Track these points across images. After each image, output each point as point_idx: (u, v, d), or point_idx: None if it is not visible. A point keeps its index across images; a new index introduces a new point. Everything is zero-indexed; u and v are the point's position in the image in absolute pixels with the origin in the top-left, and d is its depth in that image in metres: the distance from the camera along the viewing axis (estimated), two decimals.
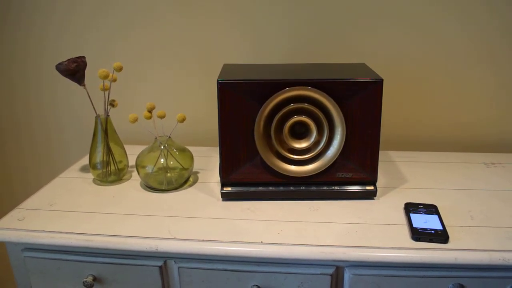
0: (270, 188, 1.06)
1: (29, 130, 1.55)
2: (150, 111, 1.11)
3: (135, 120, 1.10)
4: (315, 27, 1.32)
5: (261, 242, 0.90)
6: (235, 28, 1.35)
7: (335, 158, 1.03)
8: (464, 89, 1.35)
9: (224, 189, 1.07)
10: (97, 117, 1.15)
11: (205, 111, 1.44)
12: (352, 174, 1.05)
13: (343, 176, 1.06)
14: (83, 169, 1.27)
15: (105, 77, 1.09)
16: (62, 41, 1.42)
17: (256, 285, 0.92)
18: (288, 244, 0.89)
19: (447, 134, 1.40)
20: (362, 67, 1.12)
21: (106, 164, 1.17)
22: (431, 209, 0.99)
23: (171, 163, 1.13)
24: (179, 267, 0.93)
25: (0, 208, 1.66)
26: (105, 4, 1.36)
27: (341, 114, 1.00)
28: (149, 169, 1.12)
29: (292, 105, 1.00)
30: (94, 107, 1.16)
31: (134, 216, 1.01)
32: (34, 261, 0.97)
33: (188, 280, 0.94)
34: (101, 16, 1.38)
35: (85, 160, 1.33)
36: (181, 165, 1.13)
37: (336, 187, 1.06)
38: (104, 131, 1.15)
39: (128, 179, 1.20)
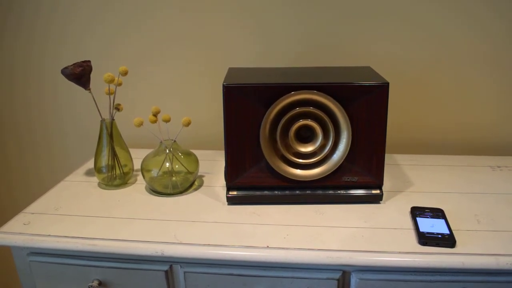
0: (276, 192, 1.06)
1: (31, 134, 1.55)
2: (155, 115, 1.11)
3: (141, 124, 1.10)
4: (320, 30, 1.32)
5: (267, 246, 0.89)
6: (241, 31, 1.35)
7: (341, 162, 1.03)
8: (470, 92, 1.34)
9: (230, 193, 1.06)
10: (102, 121, 1.15)
11: (210, 115, 1.44)
12: (358, 178, 1.05)
13: (349, 180, 1.05)
14: (88, 173, 1.27)
15: (111, 81, 1.09)
16: (64, 44, 1.42)
17: None
18: (294, 249, 0.88)
19: (453, 137, 1.40)
20: (368, 71, 1.12)
21: (111, 168, 1.17)
22: (437, 213, 0.98)
23: (176, 167, 1.13)
24: (184, 272, 0.93)
25: (3, 213, 1.67)
26: (107, 6, 1.36)
27: (347, 118, 1.00)
28: (154, 173, 1.12)
29: (297, 109, 0.99)
30: (99, 111, 1.17)
31: (139, 220, 1.00)
32: (40, 265, 0.97)
33: (194, 284, 0.94)
34: (103, 19, 1.38)
35: (90, 164, 1.33)
36: (186, 169, 1.13)
37: (342, 191, 1.06)
38: (110, 135, 1.15)
39: (133, 183, 1.20)
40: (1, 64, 1.48)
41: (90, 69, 1.11)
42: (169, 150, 1.13)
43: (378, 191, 1.06)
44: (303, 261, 0.87)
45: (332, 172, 1.04)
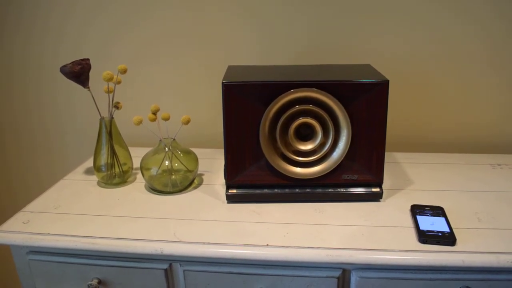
0: (276, 190, 1.06)
1: (30, 133, 1.54)
2: (154, 113, 1.11)
3: (140, 122, 1.10)
4: (320, 28, 1.32)
5: (267, 244, 0.89)
6: (240, 30, 1.34)
7: (341, 160, 1.03)
8: (469, 90, 1.34)
9: (229, 191, 1.06)
10: (102, 119, 1.14)
11: (209, 113, 1.44)
12: (358, 176, 1.05)
13: (348, 178, 1.05)
14: (88, 171, 1.27)
15: (110, 79, 1.09)
16: (63, 42, 1.42)
17: None
18: (294, 247, 0.88)
19: (453, 135, 1.39)
20: (368, 68, 1.11)
21: (111, 166, 1.16)
22: (437, 211, 0.98)
23: (176, 165, 1.13)
24: (184, 270, 0.93)
25: (2, 212, 1.66)
26: (107, 4, 1.36)
27: (347, 116, 1.00)
28: (153, 171, 1.12)
29: (297, 107, 0.99)
30: (98, 109, 1.16)
31: (139, 219, 1.00)
32: (39, 264, 0.97)
33: (194, 283, 0.94)
34: (101, 17, 1.38)
35: (89, 163, 1.33)
36: (185, 167, 1.13)
37: (341, 189, 1.06)
38: (109, 133, 1.15)
39: (133, 182, 1.20)
40: (0, 63, 1.47)
41: (89, 67, 1.11)
42: (169, 149, 1.12)
43: (378, 189, 1.06)
44: (303, 259, 0.87)
45: (332, 170, 1.04)
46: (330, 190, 1.06)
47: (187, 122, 1.12)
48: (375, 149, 1.03)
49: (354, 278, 0.89)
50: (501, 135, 1.38)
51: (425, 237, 0.88)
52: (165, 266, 0.93)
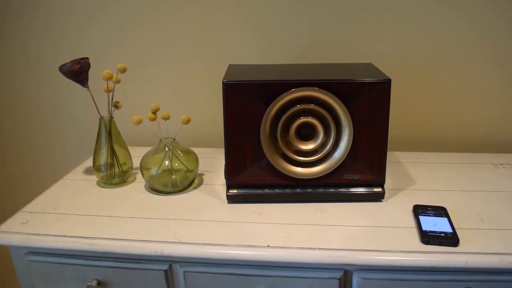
0: (277, 190, 1.05)
1: (30, 132, 1.54)
2: (154, 113, 1.10)
3: (140, 122, 1.09)
4: (321, 27, 1.31)
5: (268, 245, 0.88)
6: (241, 28, 1.34)
7: (342, 159, 1.02)
8: (471, 89, 1.33)
9: (230, 191, 1.05)
10: (101, 119, 1.14)
11: (210, 113, 1.43)
12: (360, 176, 1.04)
13: (350, 178, 1.04)
14: (87, 171, 1.26)
15: (109, 78, 1.09)
16: (62, 42, 1.41)
17: None
18: (295, 248, 0.87)
19: (455, 134, 1.39)
20: (369, 67, 1.10)
21: (110, 166, 1.16)
22: (440, 211, 0.97)
23: (176, 165, 1.12)
24: (184, 271, 0.92)
25: (2, 212, 1.66)
26: (106, 3, 1.35)
27: (348, 115, 0.99)
28: (153, 171, 1.11)
29: (298, 106, 0.98)
30: (98, 109, 1.16)
31: (139, 219, 0.99)
32: (38, 265, 0.97)
33: (194, 284, 0.93)
34: (101, 16, 1.37)
35: (89, 162, 1.32)
36: (186, 167, 1.12)
37: (343, 189, 1.05)
38: (108, 133, 1.14)
39: (133, 182, 1.19)
40: None
41: (88, 66, 1.10)
42: (169, 148, 1.12)
43: (380, 189, 1.05)
44: (304, 260, 0.86)
45: (333, 170, 1.03)
46: (331, 190, 1.05)
47: (187, 121, 1.11)
48: (377, 149, 1.02)
49: (355, 279, 0.88)
50: (503, 134, 1.37)
51: (428, 237, 0.87)
52: (165, 267, 0.93)
